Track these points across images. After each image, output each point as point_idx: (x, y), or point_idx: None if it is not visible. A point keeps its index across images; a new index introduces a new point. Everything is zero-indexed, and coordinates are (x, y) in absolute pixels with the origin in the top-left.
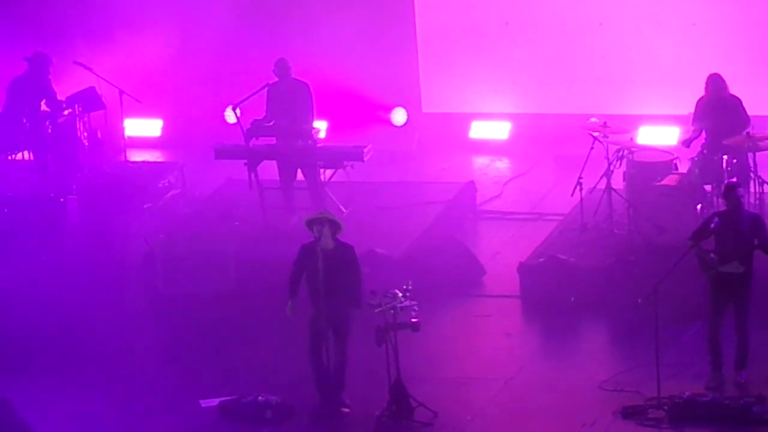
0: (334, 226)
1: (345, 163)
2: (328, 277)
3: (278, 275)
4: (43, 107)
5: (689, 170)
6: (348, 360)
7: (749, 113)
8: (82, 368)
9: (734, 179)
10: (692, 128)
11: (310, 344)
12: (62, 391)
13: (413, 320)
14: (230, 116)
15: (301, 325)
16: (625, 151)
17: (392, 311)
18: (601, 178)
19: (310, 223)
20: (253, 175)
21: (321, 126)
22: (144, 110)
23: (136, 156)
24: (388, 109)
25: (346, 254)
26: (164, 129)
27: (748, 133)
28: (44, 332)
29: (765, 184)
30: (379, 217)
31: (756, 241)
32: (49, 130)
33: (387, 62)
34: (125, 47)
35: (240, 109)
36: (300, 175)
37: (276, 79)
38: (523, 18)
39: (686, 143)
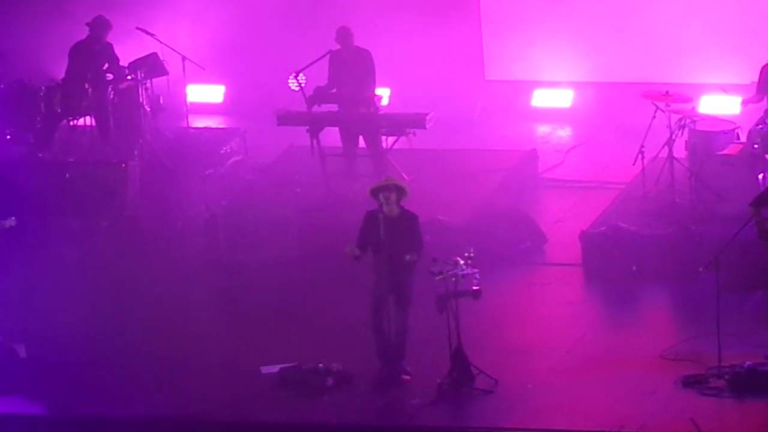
0: (401, 192)
1: (407, 130)
2: (391, 245)
3: (340, 242)
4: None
5: (750, 139)
6: (409, 328)
7: None
8: (141, 334)
9: None
10: (754, 93)
11: (373, 311)
12: (119, 357)
13: (474, 288)
14: (293, 83)
15: (363, 292)
16: (687, 120)
17: (453, 279)
18: (663, 147)
19: (376, 191)
20: (315, 141)
21: (383, 93)
22: (206, 76)
23: (199, 122)
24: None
25: (410, 223)
26: (227, 95)
27: None
28: (105, 298)
29: None
30: (441, 184)
31: None
32: (112, 96)
33: (450, 30)
34: (188, 13)
35: (303, 75)
36: (362, 142)
37: (338, 46)
38: None
39: (744, 102)
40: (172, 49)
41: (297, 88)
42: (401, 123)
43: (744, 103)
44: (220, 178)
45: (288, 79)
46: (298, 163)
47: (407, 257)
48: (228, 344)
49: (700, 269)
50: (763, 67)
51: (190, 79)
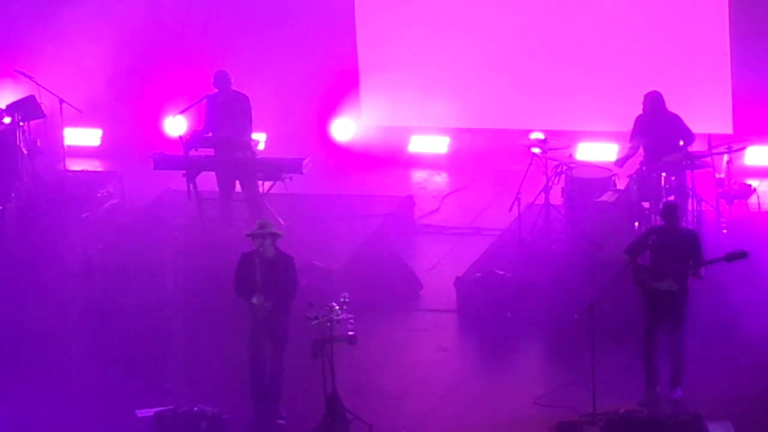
0: (275, 236)
1: (284, 175)
2: (267, 287)
3: (216, 285)
4: None
5: (627, 187)
6: (285, 369)
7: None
8: (16, 378)
9: (672, 197)
10: (629, 144)
11: (250, 355)
12: None
13: (350, 333)
14: (170, 126)
15: (239, 335)
16: (564, 167)
17: (329, 324)
18: (540, 193)
19: (252, 237)
20: (191, 185)
21: (260, 138)
22: (84, 119)
23: (76, 165)
24: (330, 121)
25: (285, 264)
26: (104, 138)
27: (686, 150)
28: None
29: (703, 202)
30: (317, 229)
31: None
32: None
33: (327, 75)
34: (66, 56)
35: (179, 119)
36: (239, 187)
37: (215, 90)
38: (462, 33)
39: (620, 163)
40: (49, 91)
41: (175, 133)
42: (278, 168)
43: (619, 162)
44: (97, 222)
45: (165, 122)
46: (175, 207)
47: (266, 304)
48: (103, 387)
49: (575, 316)
50: (636, 119)
51: (68, 122)
